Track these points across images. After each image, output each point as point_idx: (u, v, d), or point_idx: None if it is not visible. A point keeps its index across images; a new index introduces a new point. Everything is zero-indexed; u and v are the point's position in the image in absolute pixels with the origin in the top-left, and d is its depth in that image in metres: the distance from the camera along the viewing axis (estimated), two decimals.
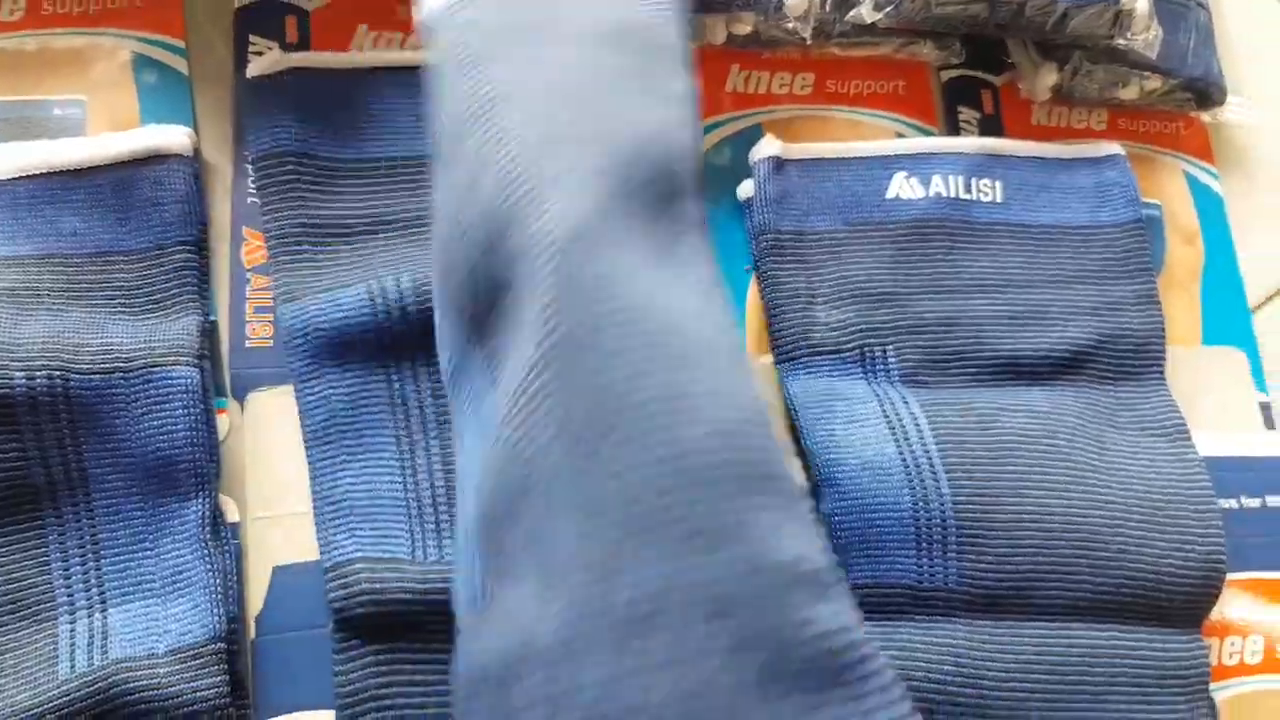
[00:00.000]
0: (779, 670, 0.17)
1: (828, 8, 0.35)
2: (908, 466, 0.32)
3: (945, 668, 0.31)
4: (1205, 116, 0.42)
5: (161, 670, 0.25)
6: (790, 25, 0.34)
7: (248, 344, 0.31)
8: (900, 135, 0.39)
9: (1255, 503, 0.37)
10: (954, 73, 0.40)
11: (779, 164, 0.35)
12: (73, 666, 0.25)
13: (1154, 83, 0.40)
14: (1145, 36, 0.38)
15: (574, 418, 0.18)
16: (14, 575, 0.26)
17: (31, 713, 0.24)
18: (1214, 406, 0.39)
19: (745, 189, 0.36)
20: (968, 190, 0.37)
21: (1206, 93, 0.41)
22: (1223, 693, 0.35)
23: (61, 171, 0.29)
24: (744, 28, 0.35)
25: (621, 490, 0.18)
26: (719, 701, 0.17)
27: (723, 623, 0.17)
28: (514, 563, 0.19)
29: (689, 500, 0.18)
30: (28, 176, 0.29)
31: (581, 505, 0.18)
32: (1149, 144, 0.42)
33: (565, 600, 0.18)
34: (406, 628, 0.28)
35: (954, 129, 0.40)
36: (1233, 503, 0.37)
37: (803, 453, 0.33)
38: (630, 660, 0.17)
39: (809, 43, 0.35)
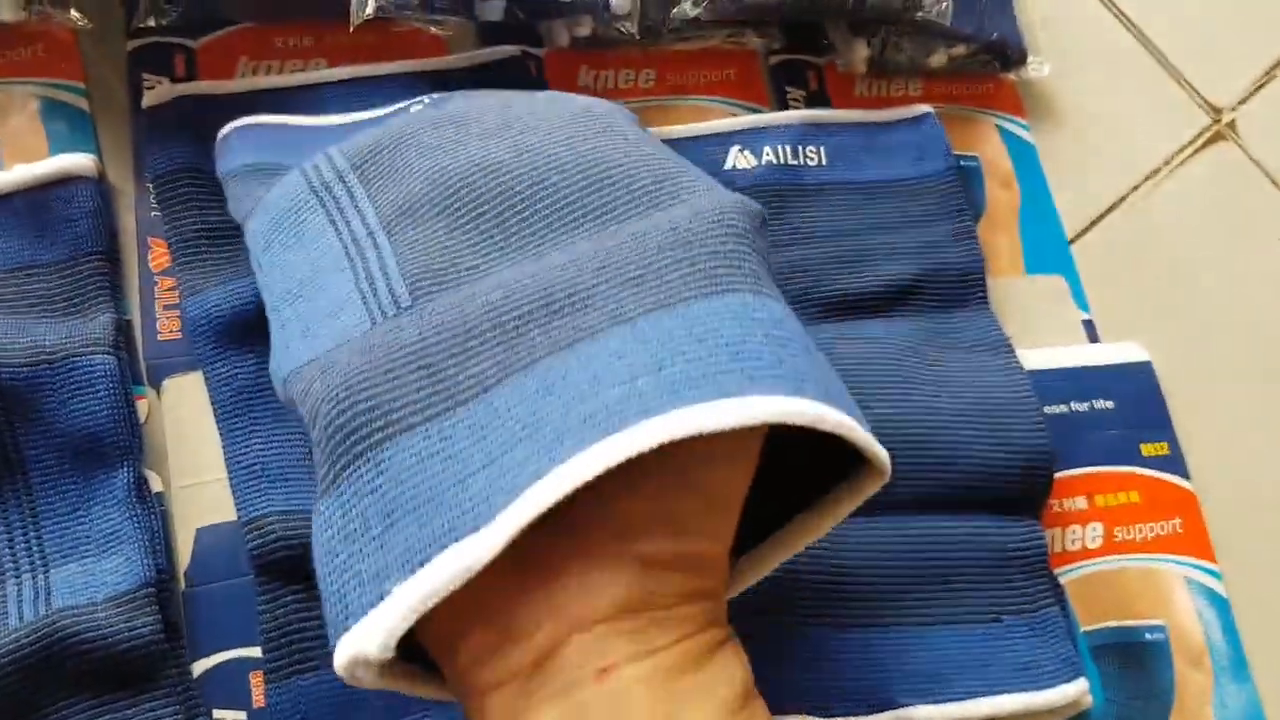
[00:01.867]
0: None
1: (652, 9, 0.40)
2: None
3: (801, 558, 0.34)
4: (1011, 76, 0.48)
5: (101, 615, 0.29)
6: (621, 26, 0.39)
7: (159, 338, 0.35)
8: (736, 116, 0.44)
9: (1084, 406, 0.41)
10: (779, 57, 0.45)
11: None
12: (21, 618, 0.29)
13: (959, 49, 0.45)
14: (939, 7, 0.43)
15: None
16: None
17: None
18: (1042, 327, 0.43)
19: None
20: (795, 157, 0.42)
21: (1007, 55, 0.46)
22: (1070, 575, 0.38)
23: None
24: (584, 30, 0.40)
25: None
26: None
27: None
28: (485, 270, 0.27)
29: None
30: None
31: None
32: (963, 104, 0.47)
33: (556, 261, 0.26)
34: None
35: (784, 107, 0.45)
36: (1064, 407, 0.41)
37: None
38: None
39: (640, 40, 0.40)
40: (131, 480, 0.31)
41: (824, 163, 0.42)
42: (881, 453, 0.23)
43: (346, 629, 0.21)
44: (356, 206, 0.29)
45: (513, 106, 0.31)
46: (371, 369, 0.24)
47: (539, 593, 0.21)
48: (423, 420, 0.23)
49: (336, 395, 0.23)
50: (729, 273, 0.25)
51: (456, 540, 0.21)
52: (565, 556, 0.21)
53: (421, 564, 0.21)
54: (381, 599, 0.20)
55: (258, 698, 0.31)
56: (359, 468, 0.22)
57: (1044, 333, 0.43)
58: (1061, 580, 0.38)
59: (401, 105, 0.36)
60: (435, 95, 0.36)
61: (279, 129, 0.36)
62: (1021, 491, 0.38)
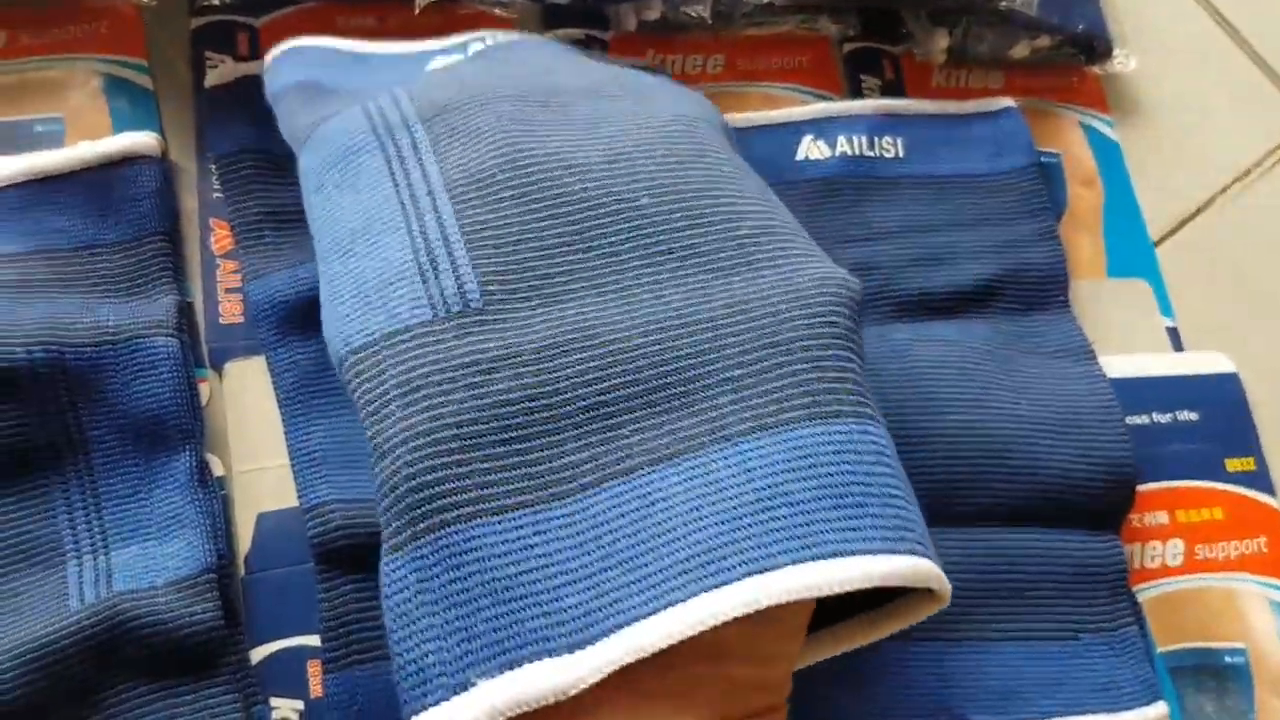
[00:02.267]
0: None
1: None
2: None
3: None
4: (1095, 69, 0.46)
5: (161, 600, 0.28)
6: (692, 11, 0.38)
7: (221, 321, 0.35)
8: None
9: (1166, 418, 0.40)
10: (854, 45, 0.44)
11: None
12: (82, 601, 0.28)
13: (1042, 40, 0.44)
14: None
15: None
16: (25, 527, 0.29)
17: (48, 639, 0.27)
18: (1124, 333, 0.41)
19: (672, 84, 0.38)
20: (871, 148, 0.40)
21: (1092, 47, 0.45)
22: (1148, 593, 0.37)
23: (46, 178, 0.33)
24: (652, 14, 0.39)
25: None
26: None
27: None
28: (564, 281, 0.25)
29: None
30: (16, 184, 0.33)
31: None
32: (1045, 98, 0.45)
33: (651, 308, 0.25)
34: (380, 559, 0.31)
35: (858, 96, 0.43)
36: (1145, 418, 0.39)
37: None
38: None
39: (711, 24, 0.39)
40: (193, 464, 0.31)
41: (901, 155, 0.41)
42: (947, 589, 0.24)
43: (425, 706, 0.21)
44: (420, 160, 0.27)
45: (602, 95, 0.30)
46: (459, 424, 0.23)
47: (624, 707, 0.21)
48: (515, 505, 0.22)
49: (420, 451, 0.23)
50: (832, 393, 0.24)
51: (551, 654, 0.21)
52: (655, 675, 0.21)
53: (510, 666, 0.21)
54: (465, 688, 0.21)
55: (315, 687, 0.31)
56: (441, 538, 0.22)
57: (1125, 339, 0.41)
58: (1139, 598, 0.37)
59: (459, 40, 0.35)
60: (498, 36, 0.35)
61: (331, 51, 0.35)
62: (1103, 505, 0.36)
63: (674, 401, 0.24)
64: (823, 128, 0.40)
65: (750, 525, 0.22)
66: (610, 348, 0.24)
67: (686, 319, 0.25)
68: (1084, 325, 0.40)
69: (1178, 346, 0.42)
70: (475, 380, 0.23)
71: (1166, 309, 0.42)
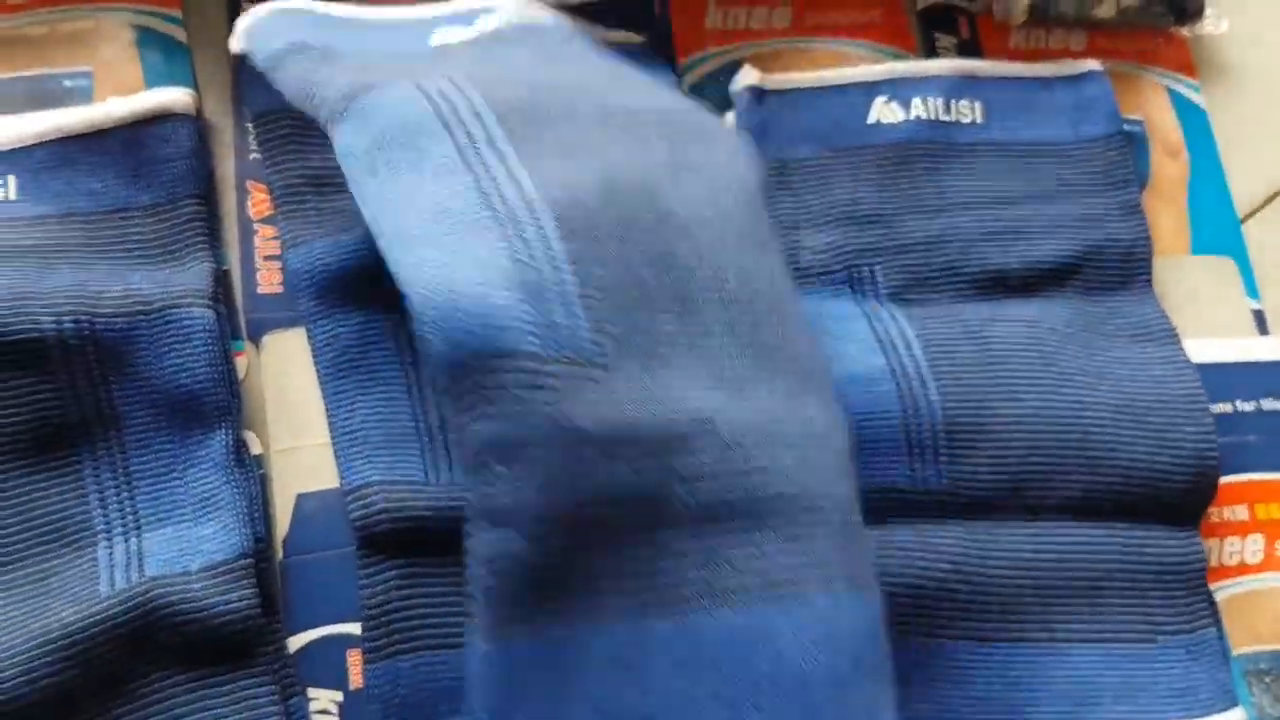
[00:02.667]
0: None
1: None
2: (895, 376, 0.33)
3: (942, 566, 0.32)
4: (1184, 31, 0.43)
5: (195, 585, 0.27)
6: None
7: (259, 290, 0.33)
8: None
9: (1250, 406, 0.38)
10: (929, 1, 0.41)
11: (759, 94, 0.36)
12: (113, 585, 0.27)
13: None
14: None
15: None
16: (54, 506, 0.28)
17: (77, 626, 0.26)
18: (1206, 314, 0.39)
19: (726, 121, 0.37)
20: (947, 111, 0.38)
21: (1182, 6, 0.41)
22: (1224, 592, 0.35)
23: (75, 136, 0.31)
24: None
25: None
26: None
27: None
28: (668, 349, 0.22)
29: None
30: (45, 143, 0.31)
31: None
32: (1130, 61, 0.42)
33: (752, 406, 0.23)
34: (424, 544, 0.29)
35: (932, 55, 0.41)
36: (1228, 406, 0.37)
37: None
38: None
39: None
40: (230, 442, 0.29)
41: (979, 120, 0.38)
42: None
43: None
44: (503, 159, 0.24)
45: (674, 129, 0.27)
46: (578, 510, 0.21)
47: None
48: (614, 618, 0.22)
49: (535, 537, 0.21)
50: (857, 564, 0.25)
51: None
52: None
53: None
54: None
55: (355, 677, 0.29)
56: (540, 632, 0.21)
57: (1208, 321, 0.39)
58: (1216, 597, 0.35)
59: (464, 8, 0.33)
60: (508, 8, 0.33)
61: (321, 17, 0.32)
62: (1184, 499, 0.34)
63: (781, 528, 0.23)
64: (896, 89, 0.38)
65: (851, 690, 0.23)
66: (729, 450, 0.23)
67: (787, 431, 0.24)
68: (1164, 305, 0.37)
69: (1263, 330, 0.40)
70: (595, 459, 0.21)
71: (1252, 290, 0.40)
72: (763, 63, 0.38)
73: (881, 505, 0.32)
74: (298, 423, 0.31)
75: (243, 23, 0.32)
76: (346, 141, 0.26)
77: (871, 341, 0.33)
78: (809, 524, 0.24)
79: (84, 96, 0.34)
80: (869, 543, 0.26)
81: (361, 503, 0.29)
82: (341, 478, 0.30)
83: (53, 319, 0.28)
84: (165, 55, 0.35)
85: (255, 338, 0.32)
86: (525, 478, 0.21)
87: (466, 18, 0.32)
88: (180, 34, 0.35)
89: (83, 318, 0.28)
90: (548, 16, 0.33)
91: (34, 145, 0.31)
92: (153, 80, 0.34)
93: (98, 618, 0.26)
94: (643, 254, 0.23)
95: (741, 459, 0.23)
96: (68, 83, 0.34)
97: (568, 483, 0.21)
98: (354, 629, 0.29)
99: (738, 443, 0.23)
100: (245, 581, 0.27)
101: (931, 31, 0.41)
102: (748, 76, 0.36)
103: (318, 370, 0.32)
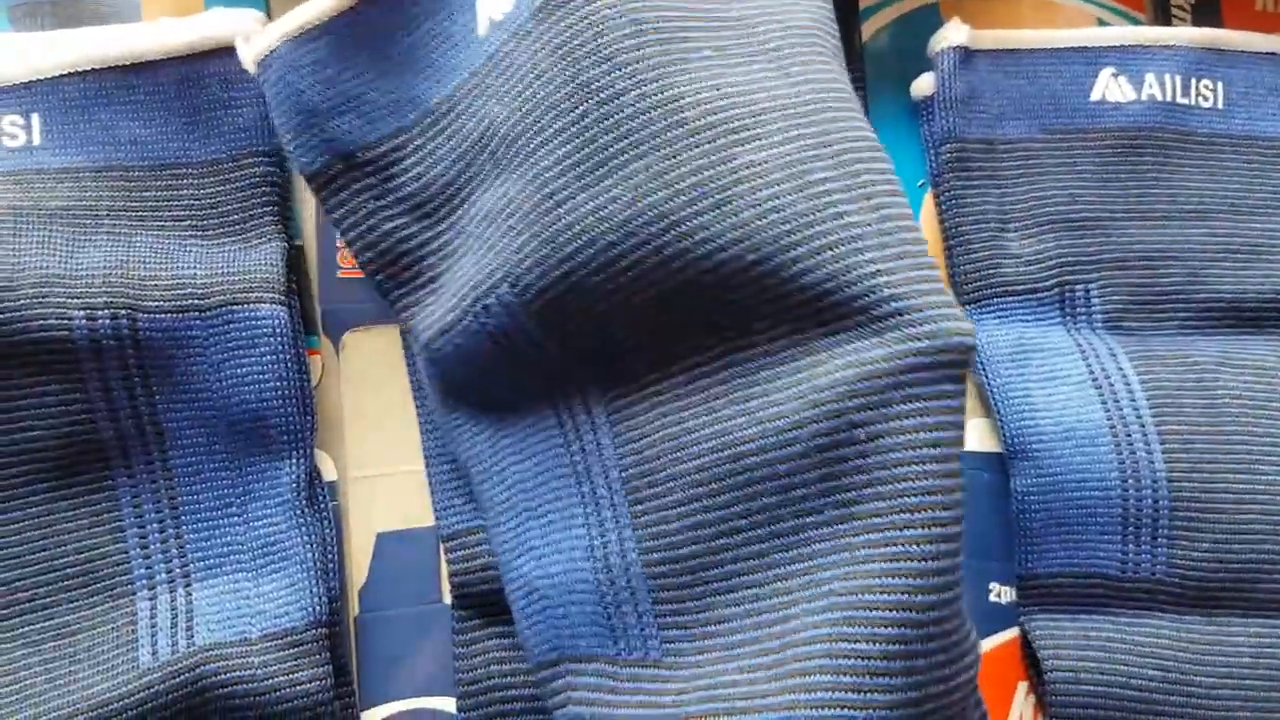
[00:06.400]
0: None
1: None
2: (1116, 435, 0.27)
3: (1149, 671, 0.26)
4: None
5: (256, 659, 0.22)
6: None
7: (340, 274, 0.26)
8: (1101, 23, 0.32)
9: None
10: None
11: (966, 56, 0.29)
12: (154, 652, 0.22)
13: None
14: None
15: None
16: (84, 544, 0.22)
17: (111, 702, 0.20)
18: None
19: (922, 85, 0.29)
20: (1185, 93, 0.30)
21: None
22: None
23: (116, 67, 0.24)
24: None
25: None
26: None
27: None
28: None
29: None
30: (78, 74, 0.24)
31: None
32: None
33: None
34: None
35: (1164, 16, 0.33)
36: None
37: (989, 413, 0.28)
38: None
39: None
40: (301, 476, 0.23)
41: (1219, 105, 0.31)
42: None
43: None
44: (595, 434, 0.22)
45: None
46: None
47: None
48: None
49: None
50: None
51: None
52: None
53: None
54: None
55: None
56: None
57: None
58: None
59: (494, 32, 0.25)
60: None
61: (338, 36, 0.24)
62: None
63: None
64: (1127, 60, 0.30)
65: None
66: None
67: None
68: None
69: None
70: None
71: None
72: (957, 9, 0.31)
73: (1087, 593, 0.26)
74: (381, 442, 0.26)
75: (252, 59, 0.24)
76: (424, 370, 0.25)
77: (1088, 386, 0.27)
78: None
79: (130, 15, 0.27)
80: None
81: (463, 552, 0.24)
82: (437, 516, 0.25)
83: (85, 312, 0.22)
84: None
85: (333, 334, 0.26)
86: None
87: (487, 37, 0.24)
88: None
89: (122, 312, 0.22)
90: None
91: (63, 77, 0.24)
92: None
93: (136, 696, 0.21)
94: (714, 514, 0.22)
95: None
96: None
97: None
98: (442, 704, 0.24)
99: None
100: (316, 655, 0.22)
101: None
102: (955, 34, 0.29)
103: (411, 381, 0.25)
